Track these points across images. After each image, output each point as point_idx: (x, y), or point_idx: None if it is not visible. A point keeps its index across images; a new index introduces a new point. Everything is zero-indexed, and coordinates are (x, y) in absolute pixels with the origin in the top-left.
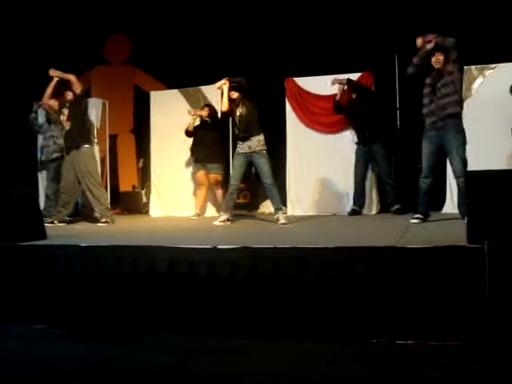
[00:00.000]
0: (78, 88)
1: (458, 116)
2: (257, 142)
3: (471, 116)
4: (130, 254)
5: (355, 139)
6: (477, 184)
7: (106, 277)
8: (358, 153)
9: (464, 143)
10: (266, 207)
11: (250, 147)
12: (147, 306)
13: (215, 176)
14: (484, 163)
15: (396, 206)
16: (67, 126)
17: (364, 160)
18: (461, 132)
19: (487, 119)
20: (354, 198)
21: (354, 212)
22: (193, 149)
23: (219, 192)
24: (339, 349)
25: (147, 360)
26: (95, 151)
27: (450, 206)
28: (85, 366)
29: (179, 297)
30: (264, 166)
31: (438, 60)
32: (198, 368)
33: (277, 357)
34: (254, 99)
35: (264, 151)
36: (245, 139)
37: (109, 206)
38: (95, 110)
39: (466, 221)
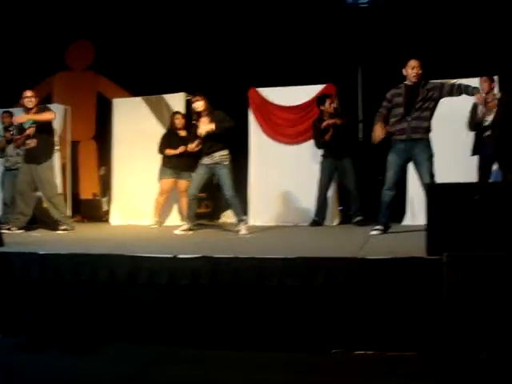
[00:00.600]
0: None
1: (428, 130)
2: (219, 155)
3: (433, 130)
4: (89, 262)
5: (321, 152)
6: (436, 196)
7: (64, 285)
8: (322, 164)
9: (432, 156)
10: (228, 217)
11: (212, 159)
12: (107, 316)
13: (188, 183)
14: (444, 177)
15: (358, 218)
16: (32, 143)
17: (329, 171)
18: (430, 146)
19: (445, 134)
20: (316, 208)
21: (316, 223)
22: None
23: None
24: (297, 359)
25: (107, 370)
26: (55, 160)
27: (410, 218)
28: (43, 377)
29: (139, 306)
30: (225, 178)
31: (417, 74)
32: (159, 378)
33: (234, 367)
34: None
35: (226, 162)
36: (209, 153)
37: (68, 214)
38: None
39: None
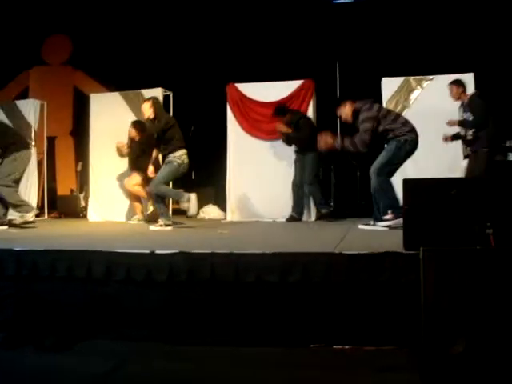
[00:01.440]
0: None
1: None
2: (172, 156)
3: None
4: (65, 258)
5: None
6: (412, 191)
7: (41, 282)
8: (295, 160)
9: (386, 162)
10: (206, 213)
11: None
12: (83, 312)
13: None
14: (419, 173)
15: (324, 210)
16: None
17: (299, 167)
18: (388, 151)
19: (424, 130)
20: (292, 203)
21: (293, 218)
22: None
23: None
24: (276, 353)
25: (83, 366)
26: (26, 155)
27: None
28: (19, 375)
29: (115, 302)
30: (161, 171)
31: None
32: (134, 374)
33: (215, 362)
34: (166, 117)
35: (175, 163)
36: (165, 156)
37: (21, 202)
38: (33, 111)
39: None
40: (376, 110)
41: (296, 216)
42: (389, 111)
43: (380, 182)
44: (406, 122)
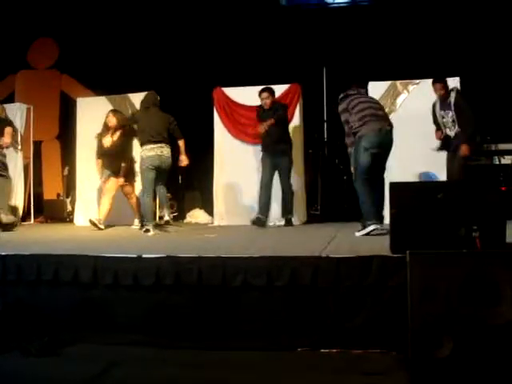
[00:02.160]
0: None
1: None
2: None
3: (395, 130)
4: (52, 263)
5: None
6: (399, 195)
7: (27, 286)
8: (263, 160)
9: (358, 169)
10: (193, 217)
11: None
12: (70, 317)
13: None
14: (405, 176)
15: (289, 216)
16: None
17: (269, 168)
18: (352, 157)
19: (411, 134)
20: (259, 205)
21: (259, 220)
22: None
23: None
24: (263, 357)
25: (70, 371)
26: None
27: None
28: (4, 380)
29: (102, 307)
30: None
31: None
32: (121, 378)
33: (202, 366)
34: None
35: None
36: None
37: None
38: (19, 115)
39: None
40: (346, 103)
41: (263, 219)
42: (356, 105)
43: (362, 191)
44: (364, 117)
